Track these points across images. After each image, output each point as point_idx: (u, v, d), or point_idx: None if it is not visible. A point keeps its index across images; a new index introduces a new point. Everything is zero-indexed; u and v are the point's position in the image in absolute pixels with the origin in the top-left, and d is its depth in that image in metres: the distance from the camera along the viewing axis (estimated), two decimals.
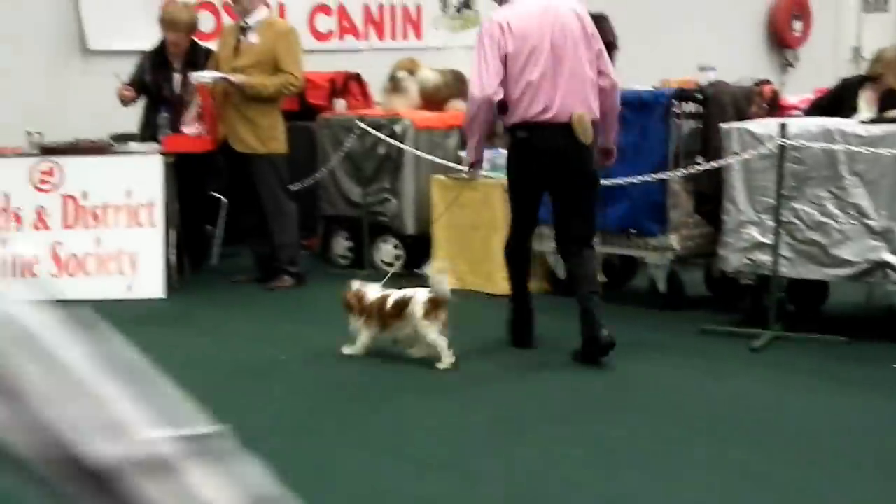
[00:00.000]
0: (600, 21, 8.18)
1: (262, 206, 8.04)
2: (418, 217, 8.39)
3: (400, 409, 5.29)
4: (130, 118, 8.67)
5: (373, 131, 8.35)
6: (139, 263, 7.79)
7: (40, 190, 7.85)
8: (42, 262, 7.77)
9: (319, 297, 7.80)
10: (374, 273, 8.09)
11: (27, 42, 9.40)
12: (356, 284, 6.12)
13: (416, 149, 8.21)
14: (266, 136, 7.93)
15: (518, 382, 5.71)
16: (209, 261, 8.81)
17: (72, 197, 7.84)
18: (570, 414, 5.22)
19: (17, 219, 7.83)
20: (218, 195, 8.79)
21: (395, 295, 5.95)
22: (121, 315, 6.97)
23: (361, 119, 8.38)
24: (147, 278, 7.76)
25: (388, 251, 8.58)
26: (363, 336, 6.03)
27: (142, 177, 7.86)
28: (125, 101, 8.30)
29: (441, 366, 5.83)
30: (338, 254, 8.89)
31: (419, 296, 5.88)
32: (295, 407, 5.38)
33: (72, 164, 7.88)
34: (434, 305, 5.82)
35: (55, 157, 7.90)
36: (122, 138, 8.46)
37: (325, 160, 8.74)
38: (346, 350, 6.07)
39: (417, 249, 8.30)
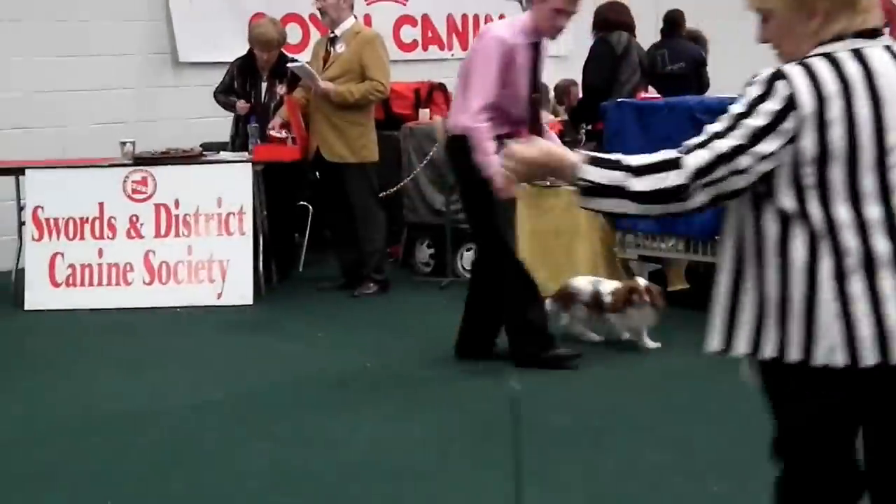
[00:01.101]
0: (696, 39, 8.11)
1: (353, 214, 8.05)
2: None
3: (481, 415, 5.21)
4: (220, 128, 8.75)
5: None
6: (229, 271, 7.83)
7: (133, 199, 7.93)
8: (136, 270, 7.87)
9: (403, 304, 7.81)
10: (456, 281, 8.17)
11: (121, 56, 9.53)
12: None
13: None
14: (357, 144, 7.93)
15: (607, 387, 5.67)
16: (295, 269, 8.83)
17: (164, 206, 7.92)
18: (654, 419, 5.20)
19: (112, 227, 7.92)
20: (305, 203, 8.85)
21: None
22: (210, 322, 7.22)
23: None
24: (236, 286, 7.80)
25: (470, 259, 8.39)
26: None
27: (232, 185, 7.92)
28: (243, 114, 8.40)
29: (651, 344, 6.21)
30: (420, 261, 8.87)
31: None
32: (378, 413, 5.35)
33: (164, 174, 7.97)
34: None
35: (148, 167, 7.99)
36: (213, 147, 8.55)
37: (409, 169, 8.73)
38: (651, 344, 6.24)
39: None
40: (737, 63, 10.85)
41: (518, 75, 5.73)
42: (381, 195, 8.25)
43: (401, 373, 6.08)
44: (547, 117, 8.73)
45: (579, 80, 8.98)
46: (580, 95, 9.09)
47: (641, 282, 6.26)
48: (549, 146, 2.76)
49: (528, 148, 2.75)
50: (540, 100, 5.91)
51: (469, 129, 5.65)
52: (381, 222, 8.12)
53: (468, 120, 5.65)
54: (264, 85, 8.43)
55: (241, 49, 8.55)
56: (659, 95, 8.43)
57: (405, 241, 8.99)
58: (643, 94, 8.34)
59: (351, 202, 8.04)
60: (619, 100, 7.78)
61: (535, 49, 5.78)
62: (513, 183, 4.40)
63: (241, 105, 8.39)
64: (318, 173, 8.34)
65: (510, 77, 5.69)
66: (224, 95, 8.51)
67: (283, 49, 8.52)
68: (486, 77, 5.64)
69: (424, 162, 8.62)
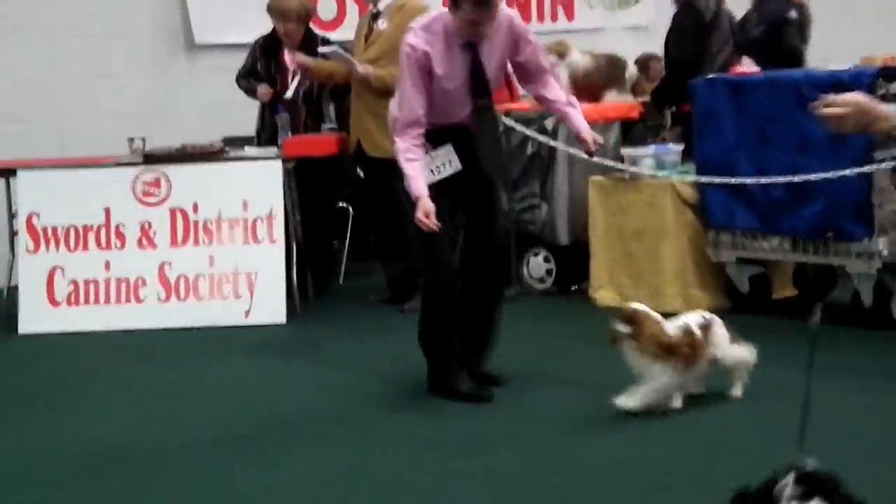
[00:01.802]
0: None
1: (401, 216, 7.97)
2: (573, 225, 8.32)
3: (553, 448, 5.20)
4: (244, 119, 8.75)
5: (519, 127, 8.28)
6: (257, 285, 7.83)
7: (145, 203, 7.95)
8: (149, 285, 7.86)
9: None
10: (522, 291, 8.20)
11: (127, 39, 9.62)
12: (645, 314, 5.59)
13: (570, 146, 8.11)
14: None
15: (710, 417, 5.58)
16: (335, 280, 8.88)
17: (180, 210, 7.93)
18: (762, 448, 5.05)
19: (120, 236, 7.92)
20: (345, 205, 8.85)
21: (691, 322, 5.68)
22: (237, 344, 7.34)
23: (506, 114, 8.28)
24: (266, 302, 7.80)
25: (537, 265, 8.51)
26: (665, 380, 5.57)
27: (259, 186, 7.91)
28: (265, 101, 8.47)
29: (737, 392, 5.73)
30: None
31: (717, 320, 5.74)
32: (433, 447, 5.30)
33: (179, 174, 7.97)
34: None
35: (160, 166, 7.98)
36: (236, 142, 8.56)
37: None
38: (627, 403, 5.54)
39: (572, 263, 8.23)
40: (840, 28, 10.79)
41: (444, 82, 5.73)
42: None
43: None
44: (619, 97, 8.79)
45: (662, 53, 8.94)
46: (663, 72, 9.00)
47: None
48: (856, 98, 3.23)
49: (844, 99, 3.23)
50: (485, 106, 5.84)
51: (395, 150, 5.79)
52: None
53: (394, 139, 5.80)
54: (291, 68, 8.47)
55: (266, 26, 8.56)
56: (758, 68, 8.27)
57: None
58: (738, 68, 8.20)
59: (398, 203, 7.93)
60: (709, 76, 7.72)
61: (473, 49, 5.74)
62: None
63: (263, 90, 8.40)
64: (359, 170, 8.34)
65: (435, 84, 5.72)
66: (246, 80, 8.55)
67: (310, 24, 8.58)
68: (402, 91, 5.75)
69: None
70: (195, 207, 7.93)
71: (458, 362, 5.99)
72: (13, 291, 8.00)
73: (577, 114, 6.07)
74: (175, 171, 7.98)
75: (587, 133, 5.96)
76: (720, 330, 5.67)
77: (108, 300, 7.87)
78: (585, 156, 6.24)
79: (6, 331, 7.82)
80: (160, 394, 6.38)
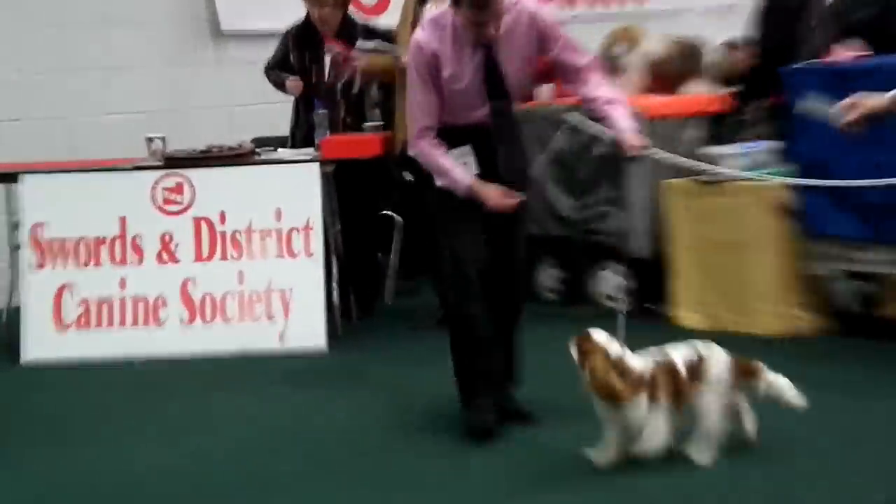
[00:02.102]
0: None
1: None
2: (651, 235, 8.20)
3: (628, 489, 5.10)
4: (277, 117, 8.84)
5: (589, 124, 8.09)
6: (293, 304, 7.80)
7: (165, 212, 7.90)
8: (170, 306, 7.83)
9: (523, 343, 7.54)
10: (594, 311, 8.15)
11: (144, 27, 9.70)
12: (605, 344, 5.41)
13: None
14: None
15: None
16: (381, 299, 8.89)
17: (206, 220, 7.90)
18: None
19: (137, 250, 7.88)
20: (391, 213, 8.82)
21: (675, 357, 5.42)
22: (270, 373, 7.35)
23: (573, 109, 8.18)
24: (303, 324, 7.77)
25: (611, 281, 8.36)
26: (659, 424, 5.35)
27: (295, 192, 7.85)
28: (296, 94, 8.55)
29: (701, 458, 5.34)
30: (545, 286, 8.82)
31: (716, 355, 5.39)
32: (487, 482, 5.28)
33: (204, 178, 7.95)
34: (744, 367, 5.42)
35: (183, 170, 7.95)
36: (268, 143, 8.58)
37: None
38: (600, 457, 5.42)
39: (651, 278, 8.10)
40: None
41: (454, 83, 5.77)
42: None
43: (525, 436, 5.90)
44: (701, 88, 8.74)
45: (748, 37, 8.81)
46: (750, 59, 8.83)
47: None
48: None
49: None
50: (502, 109, 5.86)
51: (417, 156, 5.97)
52: None
53: (411, 147, 5.98)
54: (328, 58, 8.52)
55: (300, 12, 8.59)
56: (860, 54, 8.06)
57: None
58: (839, 55, 7.94)
59: None
60: (806, 62, 7.61)
61: (487, 48, 5.76)
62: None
63: (293, 83, 8.45)
64: (407, 173, 8.22)
65: (445, 84, 5.78)
66: (275, 72, 8.61)
67: (349, 10, 8.63)
68: (413, 95, 5.87)
69: (546, 155, 8.52)
70: (222, 217, 7.88)
71: (488, 390, 5.99)
72: (15, 314, 8.03)
73: (620, 112, 5.94)
74: (199, 176, 7.94)
75: (627, 132, 5.83)
76: (715, 369, 5.32)
77: (123, 322, 7.83)
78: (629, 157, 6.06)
79: (7, 359, 7.78)
80: (183, 430, 6.31)
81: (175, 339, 7.74)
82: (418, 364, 7.35)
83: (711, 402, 5.26)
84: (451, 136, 5.81)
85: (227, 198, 7.88)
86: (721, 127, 8.37)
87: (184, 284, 7.81)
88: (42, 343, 7.74)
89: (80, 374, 7.48)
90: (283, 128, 8.66)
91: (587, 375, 5.28)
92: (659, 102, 8.44)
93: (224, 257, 7.84)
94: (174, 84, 9.68)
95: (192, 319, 7.79)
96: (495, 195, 5.66)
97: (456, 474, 5.45)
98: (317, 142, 8.09)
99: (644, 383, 5.23)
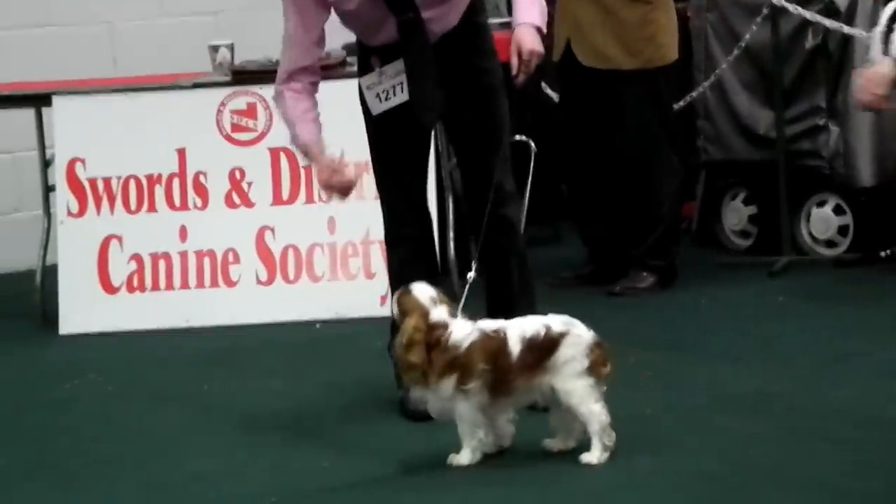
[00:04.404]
0: None
1: (614, 153, 8.10)
2: (880, 158, 8.23)
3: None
4: None
5: (794, 8, 8.18)
6: None
7: (235, 141, 8.04)
8: (243, 262, 7.99)
9: (700, 306, 7.94)
10: (798, 261, 8.40)
11: None
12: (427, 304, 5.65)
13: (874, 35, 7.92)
14: (641, 36, 8.09)
15: None
16: None
17: (286, 151, 7.89)
18: None
19: (201, 190, 8.08)
20: (524, 139, 8.66)
21: (512, 332, 5.60)
22: (372, 344, 7.17)
23: None
24: None
25: (824, 220, 8.54)
26: (466, 414, 5.62)
27: None
28: None
29: (590, 458, 5.56)
30: (731, 228, 8.98)
31: (576, 332, 5.59)
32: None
33: None
34: (602, 353, 5.59)
35: (256, 87, 8.03)
36: None
37: (708, 67, 8.84)
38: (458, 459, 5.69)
39: (880, 215, 8.21)
40: None
41: (343, 4, 6.04)
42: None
43: (692, 421, 6.08)
44: None
45: None
46: None
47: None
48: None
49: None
50: (413, 23, 6.04)
51: (275, 96, 6.32)
52: (675, 174, 8.28)
53: (276, 83, 6.31)
54: None
55: None
56: None
57: (702, 196, 9.12)
58: None
59: (622, 136, 8.04)
60: None
61: None
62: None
63: None
64: (547, 89, 8.56)
65: (336, 9, 6.11)
66: None
67: None
68: (286, 26, 6.22)
69: (735, 52, 8.59)
70: None
71: None
72: (51, 273, 8.11)
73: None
74: None
75: (520, 43, 6.02)
76: (570, 351, 5.52)
77: (185, 284, 8.02)
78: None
79: (43, 331, 8.00)
80: (264, 421, 6.41)
81: (249, 303, 7.86)
82: None
83: (577, 389, 5.46)
84: (378, 51, 6.10)
85: None
86: None
87: (260, 234, 7.94)
88: (84, 310, 7.91)
89: (131, 348, 7.61)
90: None
91: (402, 339, 5.52)
92: None
93: (310, 200, 7.96)
94: None
95: (270, 279, 7.92)
96: (324, 174, 5.97)
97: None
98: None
99: (457, 364, 5.45)
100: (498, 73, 6.25)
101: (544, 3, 6.19)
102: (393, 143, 6.23)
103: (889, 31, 5.37)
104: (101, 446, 6.28)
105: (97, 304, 7.99)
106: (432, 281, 5.86)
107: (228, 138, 8.03)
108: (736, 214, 8.88)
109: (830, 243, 8.50)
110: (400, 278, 6.00)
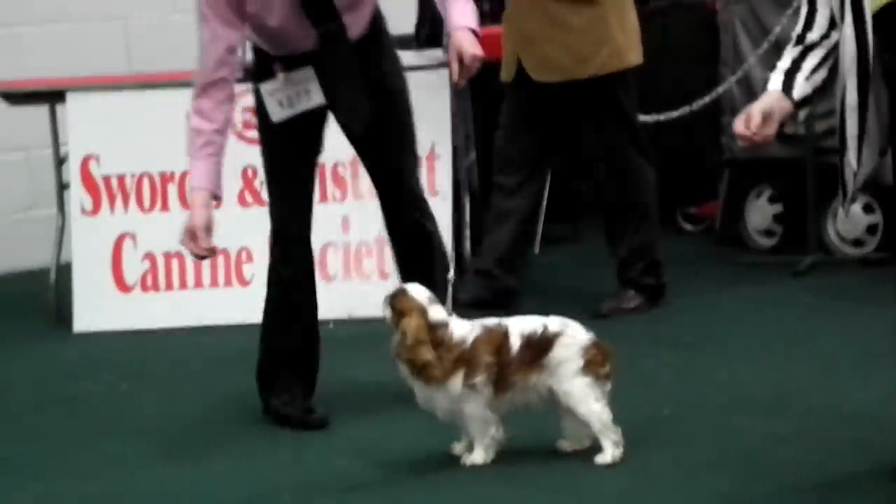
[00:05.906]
0: None
1: (626, 156, 8.04)
2: None
3: None
4: (397, 6, 8.68)
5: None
6: None
7: (248, 140, 7.92)
8: (257, 260, 7.97)
9: (718, 314, 7.93)
10: (824, 260, 8.43)
11: None
12: (424, 304, 5.74)
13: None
14: (591, 41, 7.89)
15: None
16: (528, 248, 8.72)
17: None
18: None
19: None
20: None
21: (513, 328, 5.68)
22: (386, 345, 7.10)
23: None
24: None
25: (852, 218, 8.54)
26: (476, 413, 5.68)
27: (417, 109, 7.32)
28: None
29: (604, 459, 5.62)
30: (756, 228, 9.04)
31: (570, 333, 5.65)
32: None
33: None
34: (599, 353, 5.65)
35: None
36: None
37: (735, 62, 8.95)
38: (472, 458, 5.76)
39: None
40: None
41: (264, 18, 6.12)
42: (672, 113, 8.72)
43: (712, 421, 6.08)
44: None
45: None
46: None
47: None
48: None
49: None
50: (335, 33, 6.14)
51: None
52: (649, 186, 8.11)
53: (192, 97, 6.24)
54: None
55: None
56: None
57: (726, 194, 9.17)
58: None
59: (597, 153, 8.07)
60: None
61: None
62: None
63: None
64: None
65: (254, 21, 6.17)
66: None
67: None
68: (201, 39, 6.20)
69: (763, 47, 8.67)
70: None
71: (294, 370, 6.51)
72: (65, 271, 8.14)
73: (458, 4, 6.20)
74: None
75: (459, 31, 6.12)
76: (564, 352, 5.59)
77: (199, 282, 8.11)
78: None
79: (56, 329, 8.05)
80: (279, 428, 6.40)
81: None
82: None
83: (575, 389, 5.54)
84: (287, 60, 6.18)
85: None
86: None
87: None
88: (98, 309, 7.97)
89: (146, 348, 7.67)
90: (403, 24, 8.61)
91: (398, 340, 5.61)
92: None
93: (323, 198, 7.92)
94: None
95: None
96: (185, 235, 5.97)
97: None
98: (445, 41, 7.63)
99: (463, 360, 5.55)
100: (404, 76, 6.42)
101: (474, 6, 6.27)
102: (287, 151, 6.33)
103: (795, 69, 5.31)
104: (115, 444, 6.33)
105: (111, 303, 8.06)
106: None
107: (241, 136, 8.00)
108: (760, 213, 8.93)
109: (858, 242, 8.55)
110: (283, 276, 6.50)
